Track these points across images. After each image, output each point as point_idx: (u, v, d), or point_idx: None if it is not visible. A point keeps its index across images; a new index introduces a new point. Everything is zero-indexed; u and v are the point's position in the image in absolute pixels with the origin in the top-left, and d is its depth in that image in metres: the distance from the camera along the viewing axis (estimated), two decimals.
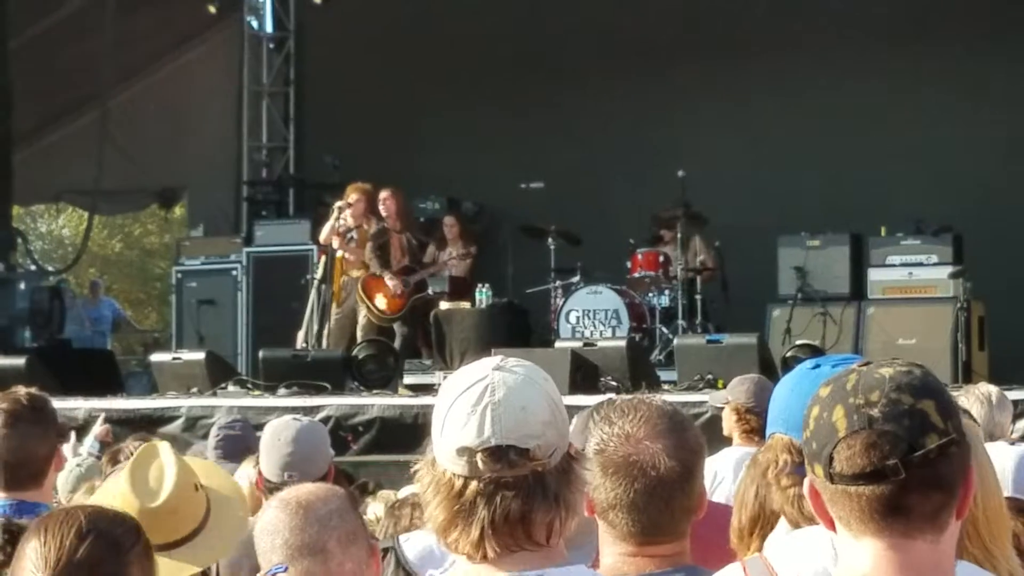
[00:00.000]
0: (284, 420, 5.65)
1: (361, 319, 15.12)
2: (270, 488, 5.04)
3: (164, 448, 3.97)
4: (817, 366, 3.06)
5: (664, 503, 3.18)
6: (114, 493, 4.00)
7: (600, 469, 3.18)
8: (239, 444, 7.00)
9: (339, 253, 15.07)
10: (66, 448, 7.91)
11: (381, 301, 15.02)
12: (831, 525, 2.38)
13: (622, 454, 3.21)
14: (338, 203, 15.03)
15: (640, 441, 3.23)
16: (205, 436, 8.94)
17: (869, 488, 2.32)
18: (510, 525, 2.64)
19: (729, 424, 7.35)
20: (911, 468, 2.29)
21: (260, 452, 5.52)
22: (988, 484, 3.05)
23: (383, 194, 15.08)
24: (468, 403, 2.67)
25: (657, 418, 3.27)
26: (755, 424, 7.06)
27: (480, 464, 2.64)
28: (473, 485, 2.65)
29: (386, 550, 4.60)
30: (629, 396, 3.43)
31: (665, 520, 3.20)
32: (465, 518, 2.66)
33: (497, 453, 2.64)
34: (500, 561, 2.67)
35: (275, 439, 5.46)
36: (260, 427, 6.00)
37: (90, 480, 6.42)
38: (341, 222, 14.90)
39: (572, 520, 2.74)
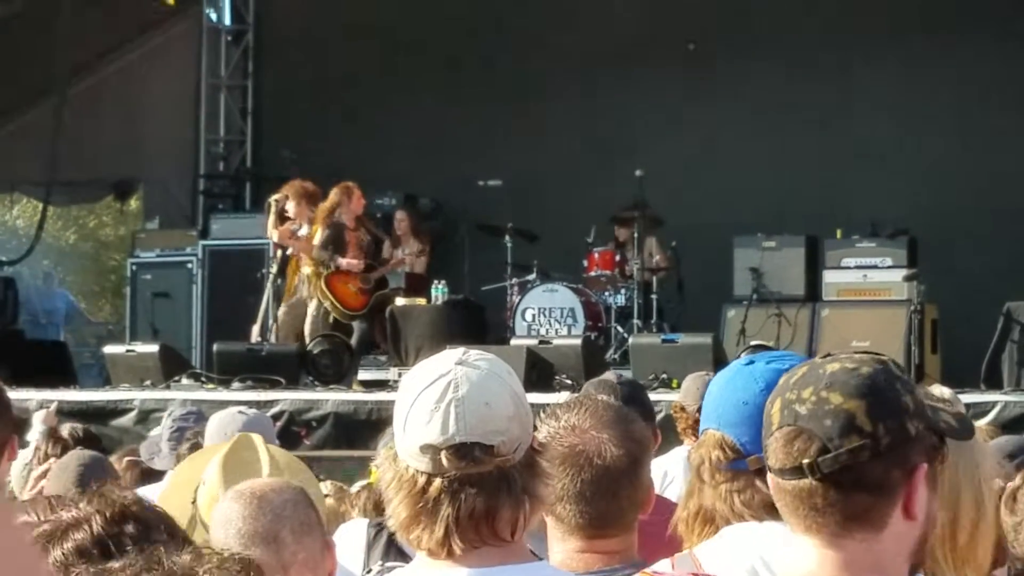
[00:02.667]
0: (230, 413, 5.62)
1: (311, 314, 15.00)
2: None
3: (258, 442, 3.99)
4: (751, 362, 3.04)
5: (611, 494, 3.17)
6: (199, 478, 4.02)
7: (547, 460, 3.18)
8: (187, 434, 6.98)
9: (291, 252, 14.96)
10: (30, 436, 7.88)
11: (345, 298, 14.96)
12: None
13: (568, 444, 3.21)
14: (274, 196, 14.93)
15: (586, 431, 3.24)
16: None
17: (791, 483, 2.32)
18: (475, 522, 2.63)
19: (681, 423, 7.36)
20: (825, 469, 2.29)
21: (206, 443, 5.50)
22: (966, 500, 3.00)
23: (356, 192, 14.91)
24: (431, 399, 2.64)
25: (603, 411, 3.29)
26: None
27: (444, 461, 2.62)
28: (437, 482, 2.63)
29: (380, 527, 4.60)
30: (575, 395, 3.44)
31: (613, 511, 3.20)
32: (429, 515, 2.64)
33: (462, 450, 2.62)
34: (463, 558, 2.66)
35: (221, 433, 5.43)
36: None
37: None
38: (289, 223, 14.80)
39: (538, 514, 2.73)
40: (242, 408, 5.72)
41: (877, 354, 2.41)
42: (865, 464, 2.28)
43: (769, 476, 2.38)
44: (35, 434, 7.91)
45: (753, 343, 13.79)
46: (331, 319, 14.87)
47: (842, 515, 2.30)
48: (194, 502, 4.04)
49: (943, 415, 2.37)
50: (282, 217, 15.03)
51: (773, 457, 2.34)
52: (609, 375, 7.12)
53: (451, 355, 2.71)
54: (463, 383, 2.65)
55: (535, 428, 3.22)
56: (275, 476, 3.92)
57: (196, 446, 6.16)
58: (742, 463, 2.94)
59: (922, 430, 2.32)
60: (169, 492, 4.39)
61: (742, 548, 2.86)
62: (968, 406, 8.24)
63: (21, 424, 8.29)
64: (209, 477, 4.05)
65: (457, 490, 2.62)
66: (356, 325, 15.02)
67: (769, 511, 2.91)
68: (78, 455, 5.90)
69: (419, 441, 2.64)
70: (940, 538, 2.87)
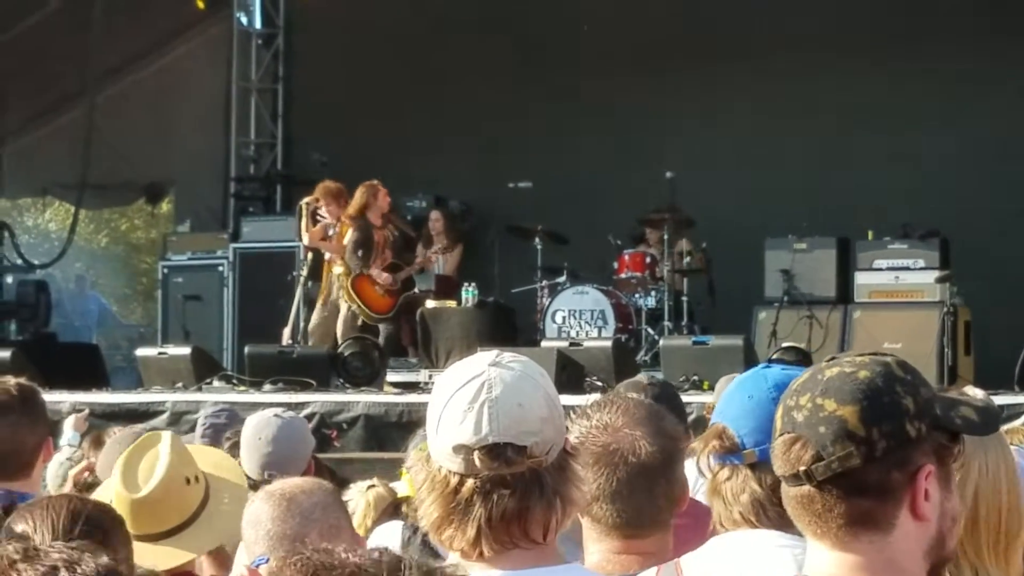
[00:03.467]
0: (265, 416, 5.63)
1: (343, 316, 15.07)
2: (251, 485, 5.04)
3: (164, 439, 3.97)
4: (767, 366, 3.07)
5: (647, 490, 3.17)
6: (111, 481, 4.02)
7: (581, 462, 3.17)
8: (225, 433, 7.00)
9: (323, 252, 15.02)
10: (62, 441, 7.92)
11: (371, 300, 15.00)
12: None
13: (602, 443, 3.21)
14: (305, 200, 15.00)
15: (619, 430, 3.23)
16: (191, 431, 8.92)
17: (794, 490, 2.35)
18: (507, 523, 2.63)
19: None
20: (819, 476, 2.30)
21: (241, 448, 5.51)
22: (985, 489, 2.99)
23: (382, 190, 14.98)
24: (465, 400, 2.65)
25: (634, 408, 3.28)
26: None
27: (477, 462, 2.62)
28: (469, 483, 2.63)
29: (415, 528, 4.60)
30: (607, 394, 3.43)
31: (649, 509, 3.19)
32: (461, 516, 2.64)
33: (495, 451, 2.62)
34: (495, 559, 2.65)
35: (255, 437, 5.46)
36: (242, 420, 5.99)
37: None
38: (320, 218, 14.87)
39: (570, 516, 2.72)
40: (278, 411, 5.74)
41: (883, 354, 2.41)
42: (861, 469, 2.29)
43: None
44: (66, 438, 7.94)
45: (785, 345, 13.76)
46: (360, 321, 14.93)
47: (844, 519, 2.31)
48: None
49: (962, 410, 2.36)
50: (314, 219, 15.08)
51: (776, 464, 2.37)
52: (640, 377, 7.12)
53: (485, 357, 2.72)
54: (497, 384, 2.65)
55: (567, 430, 3.23)
56: (172, 471, 3.90)
57: (236, 445, 6.18)
58: (737, 456, 2.94)
59: (926, 431, 2.31)
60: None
61: (728, 560, 2.86)
62: (1001, 408, 8.20)
63: (54, 427, 8.35)
64: (112, 478, 4.06)
65: (490, 491, 2.62)
66: (382, 327, 15.05)
67: (756, 507, 2.93)
68: (135, 430, 5.89)
69: (452, 441, 2.64)
70: (985, 531, 2.86)
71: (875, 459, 2.28)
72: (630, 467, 3.18)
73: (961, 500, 2.76)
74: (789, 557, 2.84)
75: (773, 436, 2.38)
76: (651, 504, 3.17)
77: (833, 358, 2.42)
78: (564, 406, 3.21)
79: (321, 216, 14.95)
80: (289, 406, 10.83)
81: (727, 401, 3.02)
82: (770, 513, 2.91)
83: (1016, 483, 2.98)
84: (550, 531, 2.66)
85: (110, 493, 3.99)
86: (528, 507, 2.63)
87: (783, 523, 2.88)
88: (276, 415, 5.64)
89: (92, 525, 2.83)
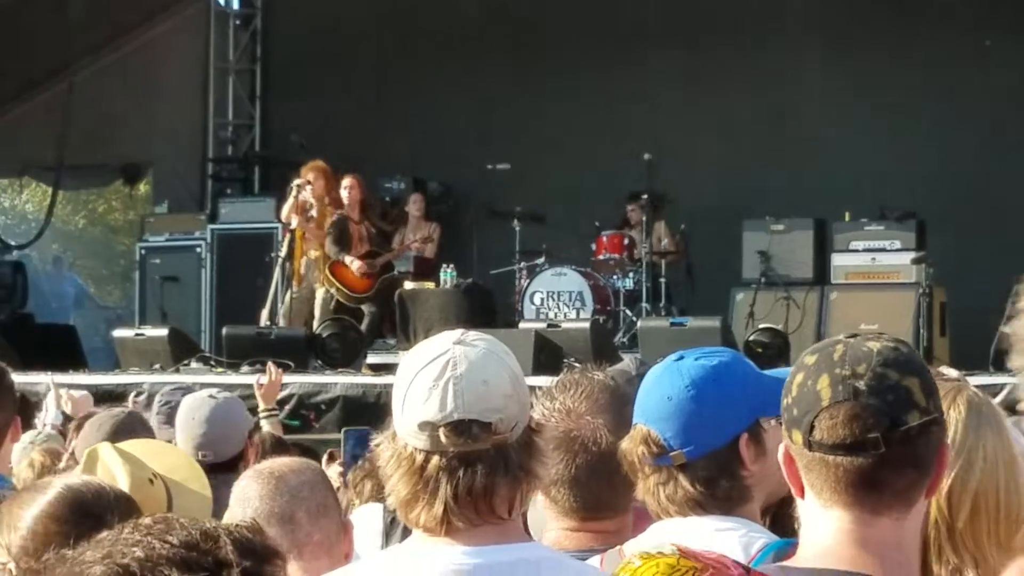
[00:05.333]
0: (199, 397, 5.63)
1: (320, 299, 15.06)
2: None
3: (105, 450, 3.93)
4: (681, 358, 3.04)
5: (606, 478, 3.15)
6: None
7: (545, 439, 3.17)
8: None
9: (297, 230, 14.98)
10: (38, 420, 7.87)
11: (350, 281, 14.99)
12: (800, 492, 2.38)
13: (563, 429, 3.19)
14: (296, 181, 15.00)
15: (581, 416, 3.21)
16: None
17: (847, 459, 2.32)
18: (473, 499, 2.65)
19: None
20: (891, 443, 2.30)
21: (176, 428, 5.51)
22: (986, 478, 2.98)
23: (347, 182, 15.01)
24: (430, 377, 2.67)
25: (599, 393, 3.25)
26: None
27: (443, 439, 2.63)
28: (435, 460, 2.65)
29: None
30: (573, 372, 3.38)
31: (607, 496, 3.18)
32: (427, 493, 2.66)
33: (460, 428, 2.64)
34: (460, 535, 2.67)
35: (189, 418, 5.48)
36: None
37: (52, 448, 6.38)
38: (303, 196, 14.86)
39: (535, 492, 2.76)
40: (213, 392, 5.72)
41: (894, 337, 2.44)
42: (920, 441, 2.31)
43: (797, 451, 2.36)
44: (50, 417, 7.91)
45: (762, 326, 13.82)
46: (333, 303, 14.92)
47: (891, 491, 2.31)
48: None
49: None
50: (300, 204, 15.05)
51: (828, 433, 2.32)
52: (628, 364, 7.08)
53: (450, 335, 2.74)
54: (461, 362, 2.67)
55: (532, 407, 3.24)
56: (135, 476, 3.90)
57: None
58: (666, 459, 2.94)
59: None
60: None
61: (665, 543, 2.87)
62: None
63: (31, 406, 8.34)
64: None
65: (455, 468, 2.64)
66: (366, 309, 15.05)
67: (692, 507, 2.94)
68: (113, 412, 5.87)
69: (417, 419, 2.66)
70: (985, 520, 2.86)
71: (931, 432, 2.32)
72: (590, 455, 3.17)
73: (964, 491, 2.79)
74: (733, 539, 2.85)
75: (815, 405, 2.33)
76: (609, 491, 3.17)
77: (854, 334, 2.41)
78: (542, 388, 3.23)
79: (305, 195, 14.92)
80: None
81: (647, 401, 3.00)
82: (707, 507, 2.94)
83: (1015, 467, 2.98)
84: (515, 507, 2.68)
85: None
86: (494, 483, 2.65)
87: (722, 513, 2.93)
88: (211, 395, 5.63)
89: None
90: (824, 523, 2.36)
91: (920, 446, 2.31)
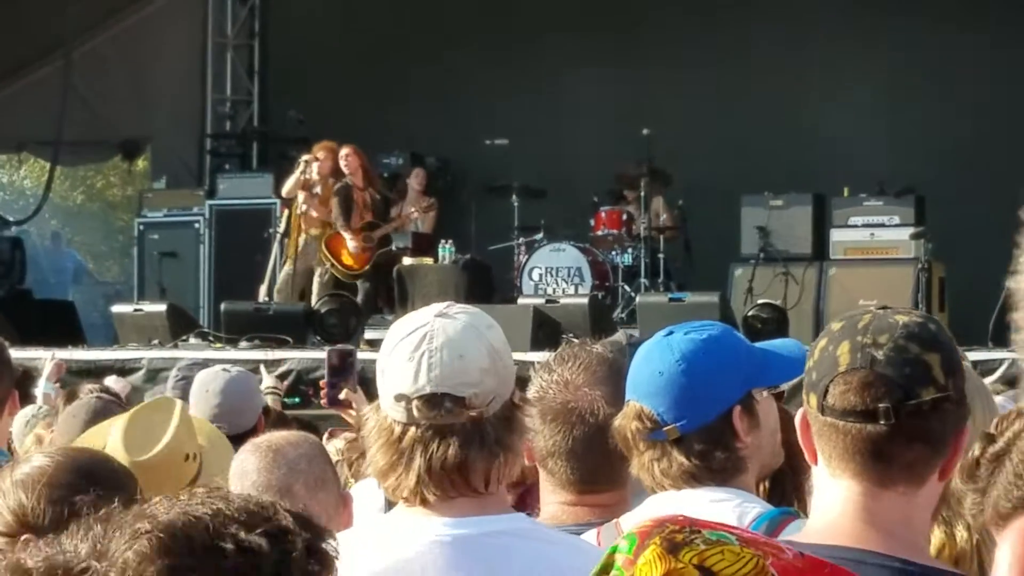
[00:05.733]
0: (213, 371, 5.64)
1: (318, 276, 15.07)
2: None
3: (176, 408, 3.95)
4: (671, 333, 3.04)
5: (602, 451, 3.14)
6: (106, 436, 3.98)
7: (539, 416, 3.15)
8: None
9: (302, 208, 14.99)
10: (37, 391, 7.87)
11: (346, 257, 14.99)
12: (814, 458, 2.38)
13: (561, 401, 3.20)
14: (304, 157, 14.99)
15: (579, 388, 3.22)
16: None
17: (856, 427, 2.32)
18: (447, 472, 2.67)
19: None
20: (901, 416, 2.30)
21: (189, 402, 5.51)
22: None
23: (344, 151, 15.02)
24: (407, 350, 2.70)
25: (597, 365, 3.26)
26: None
27: (415, 411, 2.67)
28: (411, 432, 2.68)
29: None
30: (571, 344, 3.39)
31: (604, 468, 3.18)
32: (403, 464, 2.68)
33: (432, 401, 2.67)
34: (438, 507, 2.69)
35: (203, 390, 5.50)
36: None
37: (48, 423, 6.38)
38: (309, 174, 14.85)
39: (514, 467, 2.76)
40: (226, 366, 5.72)
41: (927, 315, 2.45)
42: (933, 417, 2.30)
43: (812, 416, 2.36)
44: (41, 388, 7.93)
45: (760, 301, 13.82)
46: (328, 277, 14.92)
47: (898, 464, 2.31)
48: None
49: None
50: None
51: (840, 398, 2.33)
52: (620, 336, 7.10)
53: (434, 308, 2.77)
54: (439, 335, 2.69)
55: (529, 382, 3.24)
56: (176, 443, 3.90)
57: None
58: (660, 434, 2.95)
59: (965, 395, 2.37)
60: None
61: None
62: (976, 364, 8.25)
63: (31, 381, 8.35)
64: (113, 435, 4.02)
65: (429, 440, 2.67)
66: (360, 284, 15.05)
67: (687, 480, 2.95)
68: (89, 402, 5.87)
69: (394, 390, 2.69)
70: None
71: (946, 410, 2.31)
72: (587, 427, 3.18)
73: None
74: (728, 510, 2.86)
75: (832, 369, 2.33)
76: (606, 463, 3.17)
77: (885, 306, 2.42)
78: (536, 362, 3.23)
79: (311, 173, 14.92)
80: (265, 363, 10.86)
81: (638, 376, 3.01)
82: (701, 479, 2.94)
83: None
84: (492, 481, 2.70)
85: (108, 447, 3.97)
86: (467, 457, 2.67)
87: (717, 485, 2.93)
88: (224, 369, 5.65)
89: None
90: (832, 493, 2.36)
91: (934, 422, 2.31)
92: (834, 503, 2.36)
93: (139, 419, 4.02)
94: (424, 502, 2.69)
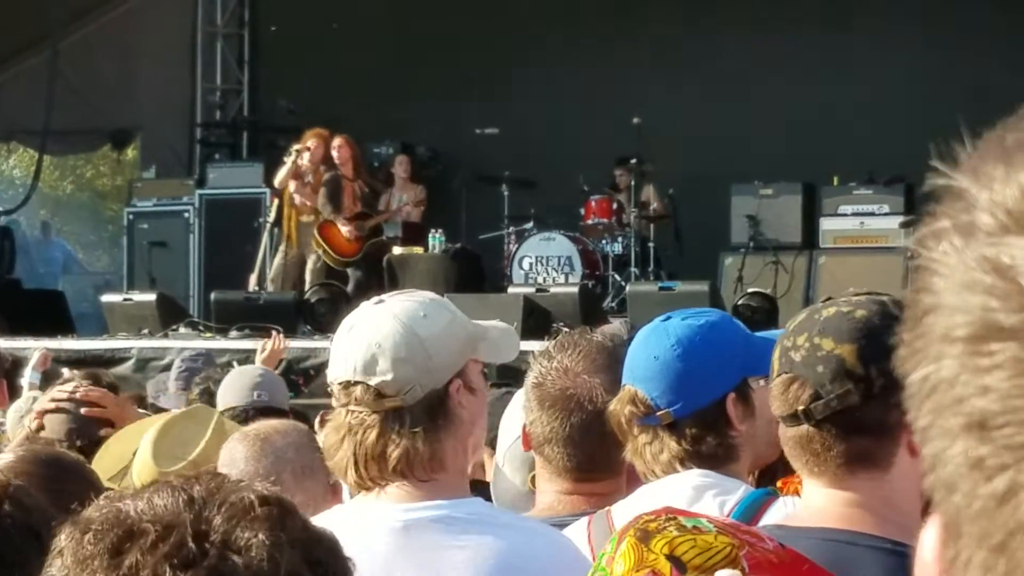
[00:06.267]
0: (246, 370, 5.84)
1: (311, 264, 15.09)
2: (237, 413, 5.07)
3: (212, 418, 3.94)
4: (668, 318, 3.07)
5: (599, 438, 3.15)
6: (136, 442, 3.97)
7: (537, 402, 3.18)
8: (196, 377, 7.02)
9: (295, 198, 15.00)
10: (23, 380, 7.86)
11: (338, 244, 14.99)
12: None
13: (559, 387, 3.21)
14: (295, 146, 14.99)
15: (578, 375, 3.22)
16: (163, 373, 8.92)
17: (792, 430, 2.37)
18: (371, 459, 2.72)
19: None
20: (818, 415, 2.32)
21: (223, 385, 5.53)
22: None
23: (336, 141, 15.03)
24: (337, 338, 2.81)
25: (596, 353, 3.26)
26: None
27: (334, 400, 2.76)
28: (342, 417, 2.77)
29: None
30: (571, 332, 3.41)
31: (600, 455, 3.18)
32: (340, 448, 2.77)
33: (347, 388, 2.74)
34: (386, 493, 2.75)
35: (241, 369, 5.72)
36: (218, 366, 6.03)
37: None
38: (300, 162, 14.86)
39: (457, 456, 2.79)
40: (265, 371, 5.85)
41: (877, 294, 2.43)
42: (860, 407, 2.30)
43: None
44: (27, 378, 7.92)
45: (750, 290, 13.83)
46: (320, 264, 14.92)
47: (843, 458, 2.33)
48: (126, 468, 4.01)
49: None
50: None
51: (773, 404, 2.39)
52: (619, 327, 7.05)
53: (376, 298, 2.84)
54: (360, 325, 2.77)
55: (527, 368, 3.25)
56: (205, 457, 3.90)
57: (206, 392, 6.18)
58: (653, 418, 2.96)
59: None
60: (103, 455, 4.35)
61: (649, 505, 2.89)
62: None
63: (16, 369, 8.34)
64: (143, 445, 4.02)
65: (353, 427, 2.74)
66: (351, 273, 15.06)
67: (681, 464, 2.96)
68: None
69: (328, 377, 2.80)
70: None
71: (873, 397, 2.31)
72: (586, 414, 3.18)
73: None
74: (709, 494, 2.88)
75: (771, 377, 2.40)
76: (603, 450, 3.17)
77: (829, 298, 2.45)
78: (529, 352, 3.25)
79: (302, 161, 14.92)
80: (255, 352, 10.84)
81: (634, 361, 3.03)
82: (688, 466, 2.96)
83: None
84: (417, 468, 2.72)
85: (137, 456, 3.96)
86: (385, 444, 2.72)
87: (706, 469, 2.95)
88: (261, 373, 5.79)
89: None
90: (809, 490, 2.40)
91: (864, 411, 2.31)
92: (813, 498, 2.39)
93: (172, 428, 4.02)
94: (366, 488, 2.76)
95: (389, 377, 2.71)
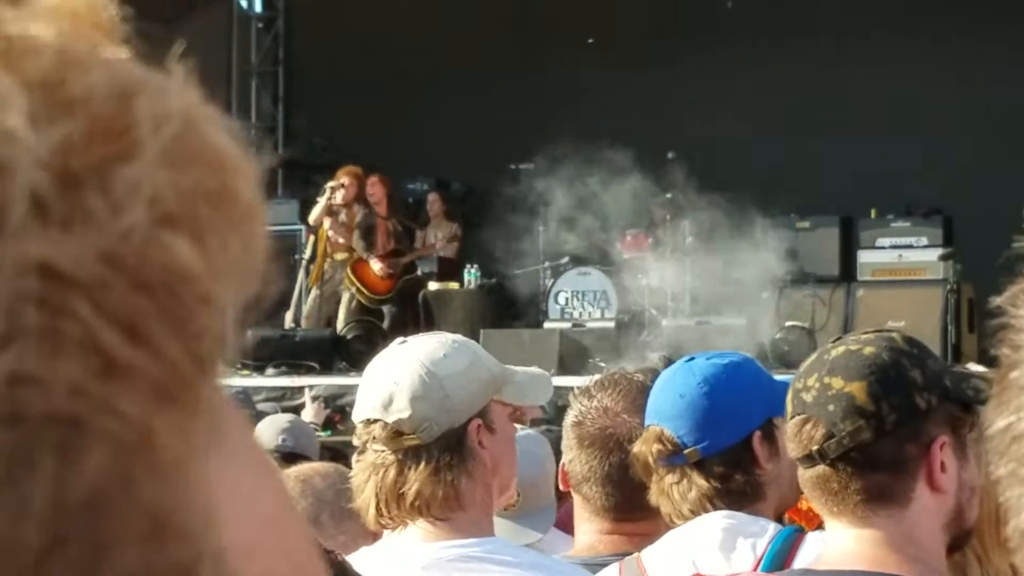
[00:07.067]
0: (276, 420, 5.96)
1: (346, 302, 15.10)
2: None
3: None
4: (692, 359, 3.08)
5: (639, 478, 3.13)
6: None
7: (576, 441, 3.18)
8: None
9: (328, 233, 15.02)
10: None
11: (370, 282, 15.00)
12: None
13: (599, 427, 3.21)
14: (330, 184, 15.02)
15: (618, 415, 3.22)
16: None
17: (808, 472, 2.36)
18: (391, 498, 2.71)
19: None
20: (831, 454, 2.31)
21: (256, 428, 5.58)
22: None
23: (371, 179, 15.06)
24: (363, 377, 2.82)
25: (636, 393, 3.25)
26: None
27: (356, 438, 2.77)
28: (368, 456, 2.76)
29: None
30: (612, 372, 3.40)
31: (639, 495, 3.15)
32: (364, 490, 2.76)
33: (368, 426, 2.75)
34: (408, 533, 2.73)
35: (272, 417, 5.78)
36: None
37: None
38: (333, 200, 14.89)
39: (476, 493, 2.75)
40: (294, 418, 5.96)
41: (887, 331, 2.43)
42: (873, 444, 2.29)
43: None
44: None
45: (788, 324, 13.76)
46: (355, 304, 14.94)
47: (861, 496, 2.31)
48: None
49: (972, 381, 2.35)
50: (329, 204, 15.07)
51: (789, 446, 2.39)
52: (656, 363, 7.03)
53: (401, 339, 2.86)
54: (382, 363, 2.78)
55: (567, 407, 3.23)
56: None
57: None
58: (680, 457, 2.95)
59: (936, 402, 2.31)
60: None
61: (688, 552, 2.86)
62: None
63: None
64: None
65: (378, 465, 2.73)
66: (387, 310, 15.05)
67: (710, 502, 2.95)
68: None
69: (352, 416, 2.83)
70: (986, 520, 2.83)
71: (886, 433, 2.29)
72: (625, 453, 3.16)
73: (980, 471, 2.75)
74: (741, 535, 2.86)
75: (786, 419, 2.40)
76: (642, 491, 3.15)
77: (838, 338, 2.44)
78: (567, 387, 3.23)
79: (336, 199, 14.95)
80: (292, 389, 10.86)
81: (659, 400, 3.02)
82: (717, 504, 2.94)
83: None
84: (435, 506, 2.70)
85: None
86: (404, 482, 2.71)
87: (734, 509, 2.93)
88: (291, 421, 5.97)
89: None
90: (834, 530, 2.38)
91: (880, 449, 2.29)
92: (839, 539, 2.37)
93: None
94: (388, 527, 2.75)
95: (406, 415, 2.71)
